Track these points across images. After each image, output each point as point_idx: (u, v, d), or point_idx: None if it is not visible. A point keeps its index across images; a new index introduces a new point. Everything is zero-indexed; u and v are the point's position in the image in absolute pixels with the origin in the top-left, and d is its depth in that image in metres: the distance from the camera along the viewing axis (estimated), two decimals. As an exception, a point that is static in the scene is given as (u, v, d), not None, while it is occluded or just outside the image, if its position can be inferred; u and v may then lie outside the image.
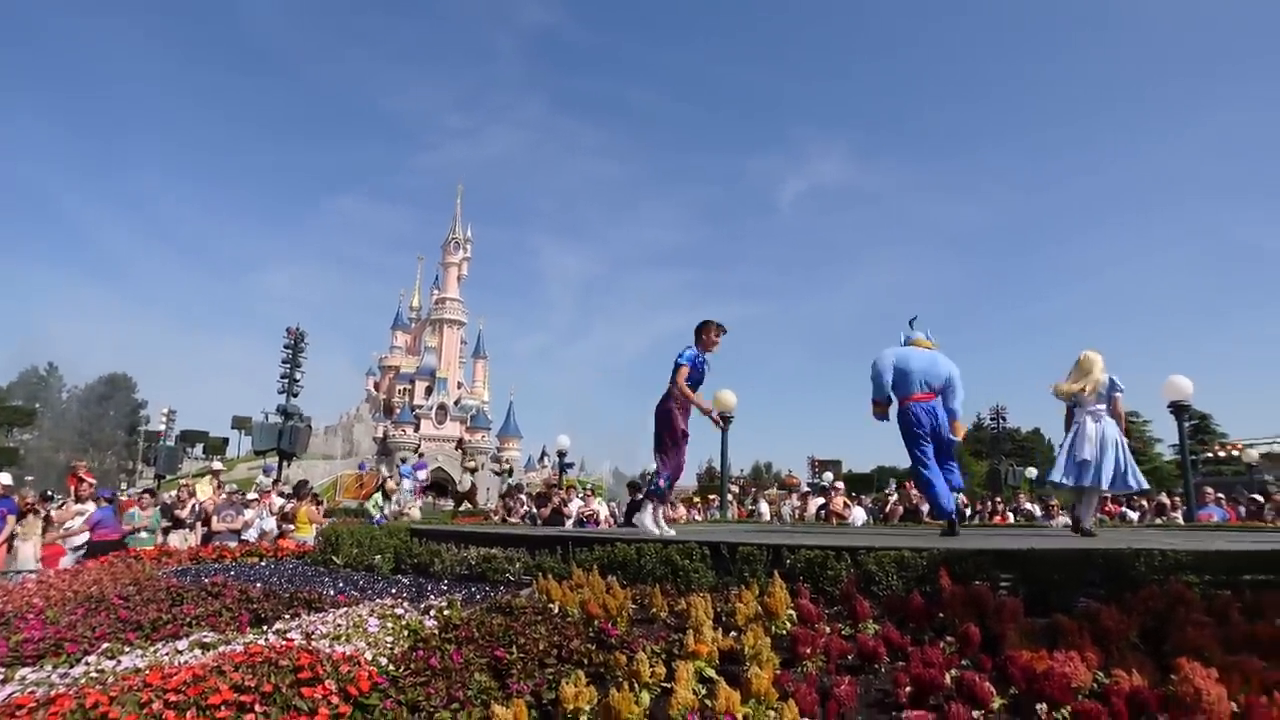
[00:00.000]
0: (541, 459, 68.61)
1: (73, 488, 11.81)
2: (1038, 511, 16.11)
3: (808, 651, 3.04)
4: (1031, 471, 33.77)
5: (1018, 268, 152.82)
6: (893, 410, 7.20)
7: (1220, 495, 14.52)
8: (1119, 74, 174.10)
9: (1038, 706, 2.45)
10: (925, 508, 15.03)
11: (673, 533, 6.01)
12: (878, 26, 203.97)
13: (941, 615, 3.37)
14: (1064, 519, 14.07)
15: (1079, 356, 6.75)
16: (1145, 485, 6.77)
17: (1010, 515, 16.19)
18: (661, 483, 6.41)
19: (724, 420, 14.19)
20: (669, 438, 6.41)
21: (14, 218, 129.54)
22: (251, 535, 11.40)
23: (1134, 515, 14.81)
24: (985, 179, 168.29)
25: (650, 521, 6.13)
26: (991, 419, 39.61)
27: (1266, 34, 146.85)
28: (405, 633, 3.60)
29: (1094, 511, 7.03)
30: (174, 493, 15.35)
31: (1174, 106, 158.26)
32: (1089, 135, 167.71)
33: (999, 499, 19.03)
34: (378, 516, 12.87)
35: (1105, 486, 6.50)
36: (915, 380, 6.94)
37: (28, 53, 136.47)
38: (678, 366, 6.32)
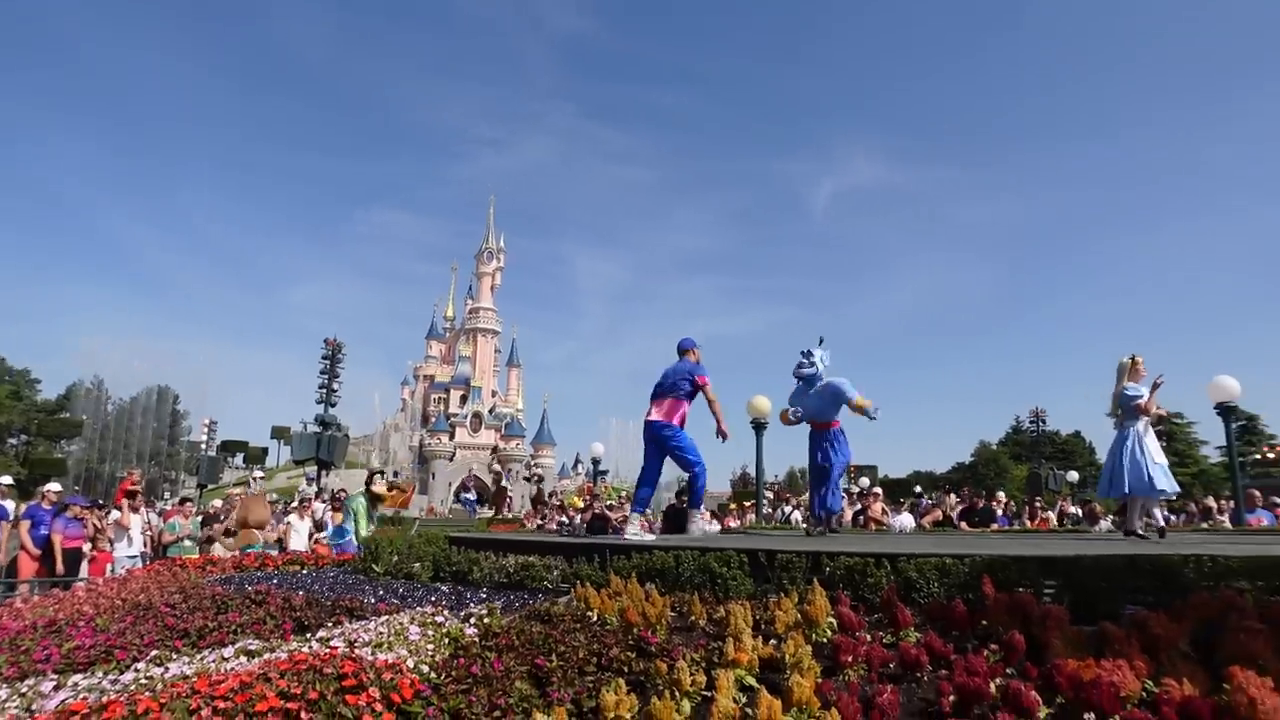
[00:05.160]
0: (575, 466, 68.82)
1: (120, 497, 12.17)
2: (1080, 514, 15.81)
3: (849, 660, 3.01)
4: (1073, 475, 33.07)
5: (1058, 268, 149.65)
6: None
7: (1276, 498, 14.11)
8: (1167, 71, 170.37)
9: (1085, 716, 2.40)
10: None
11: None
12: (908, 25, 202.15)
13: (985, 623, 3.32)
14: (1108, 523, 13.78)
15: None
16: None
17: (1052, 519, 15.90)
18: None
19: (758, 426, 14.10)
20: None
21: (58, 236, 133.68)
22: (300, 544, 11.56)
23: (1176, 520, 14.45)
24: (1024, 178, 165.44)
25: None
26: (1031, 422, 38.95)
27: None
28: (446, 640, 3.63)
29: (1141, 515, 6.95)
30: (217, 502, 15.70)
31: (1222, 101, 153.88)
32: (1133, 133, 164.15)
33: (1039, 502, 18.73)
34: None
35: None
36: None
37: (68, 74, 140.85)
38: None
